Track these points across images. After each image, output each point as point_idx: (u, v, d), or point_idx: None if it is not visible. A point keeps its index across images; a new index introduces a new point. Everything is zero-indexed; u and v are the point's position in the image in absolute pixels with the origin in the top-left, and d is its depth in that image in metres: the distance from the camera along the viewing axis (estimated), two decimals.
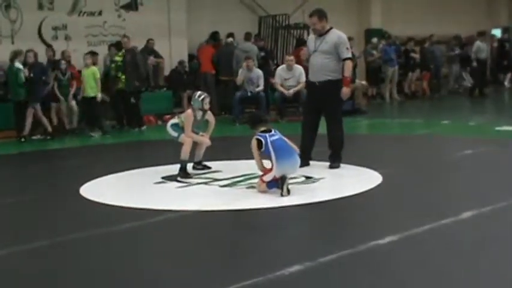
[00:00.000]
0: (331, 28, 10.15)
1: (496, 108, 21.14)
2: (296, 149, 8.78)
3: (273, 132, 8.67)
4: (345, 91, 10.03)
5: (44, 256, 6.41)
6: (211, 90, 17.91)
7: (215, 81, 19.53)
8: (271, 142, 8.50)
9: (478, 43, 23.59)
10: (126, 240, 6.90)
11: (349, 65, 10.06)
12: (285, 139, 8.69)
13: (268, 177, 8.52)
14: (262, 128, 8.72)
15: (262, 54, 19.65)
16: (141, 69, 17.27)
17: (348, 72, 10.03)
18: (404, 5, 25.91)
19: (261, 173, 8.75)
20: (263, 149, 8.51)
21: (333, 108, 10.23)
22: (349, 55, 10.11)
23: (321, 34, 10.11)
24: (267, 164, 8.69)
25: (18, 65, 15.68)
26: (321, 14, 10.11)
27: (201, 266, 5.91)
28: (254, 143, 8.60)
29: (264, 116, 9.34)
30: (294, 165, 8.62)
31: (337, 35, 10.09)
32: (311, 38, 10.41)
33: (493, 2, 29.73)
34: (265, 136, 8.56)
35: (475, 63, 23.61)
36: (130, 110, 17.06)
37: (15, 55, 15.77)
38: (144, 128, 16.94)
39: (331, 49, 10.00)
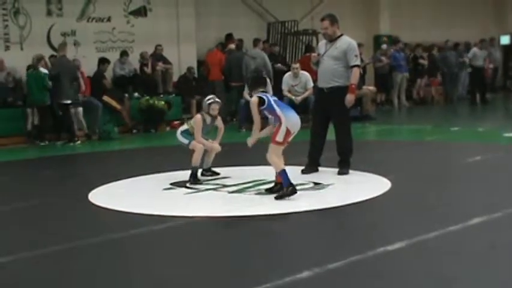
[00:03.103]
0: (342, 34, 10.16)
1: (504, 114, 21.11)
2: None
3: (271, 94, 9.03)
4: (349, 98, 10.01)
5: (52, 262, 6.42)
6: (221, 98, 17.89)
7: (225, 87, 19.48)
8: (274, 100, 8.74)
9: (474, 50, 23.64)
10: (134, 246, 6.90)
11: (356, 72, 10.06)
12: None
13: (280, 135, 8.52)
14: (262, 89, 8.95)
15: (278, 65, 19.68)
16: (78, 80, 16.75)
17: (354, 79, 10.03)
18: (412, 12, 25.91)
19: (257, 133, 8.82)
20: (264, 106, 8.63)
21: (341, 115, 10.23)
22: (358, 62, 10.10)
23: (332, 40, 10.12)
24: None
25: (43, 69, 15.81)
26: (332, 19, 10.13)
27: (210, 272, 5.90)
28: (255, 100, 8.71)
29: (264, 79, 9.55)
30: (298, 120, 8.76)
31: (347, 41, 10.10)
32: (322, 43, 10.44)
33: (501, 9, 29.71)
34: (266, 95, 8.79)
35: (469, 70, 23.73)
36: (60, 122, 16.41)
37: (38, 60, 15.92)
38: (77, 142, 16.03)
39: (341, 55, 10.01)
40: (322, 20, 10.23)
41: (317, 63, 10.34)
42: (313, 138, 10.39)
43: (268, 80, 17.43)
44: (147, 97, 18.04)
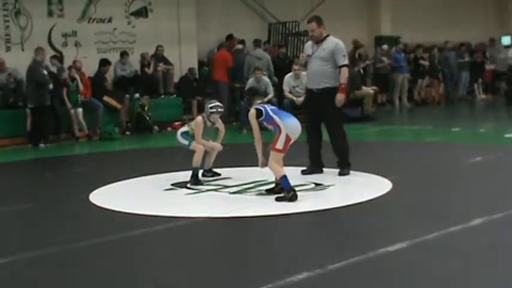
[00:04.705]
0: (328, 35, 10.19)
1: (505, 115, 21.06)
2: None
3: (269, 104, 9.04)
4: (339, 98, 10.02)
5: (53, 263, 6.42)
6: (224, 99, 17.84)
7: (229, 88, 19.34)
8: (271, 110, 8.74)
9: None
10: (135, 247, 6.90)
11: (345, 72, 10.05)
12: None
13: (280, 143, 8.52)
14: (259, 101, 9.03)
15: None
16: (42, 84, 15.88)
17: (343, 79, 10.03)
18: (414, 12, 25.89)
19: (259, 147, 8.82)
20: (263, 117, 8.67)
21: (333, 115, 10.20)
22: (346, 62, 10.10)
23: (318, 41, 10.13)
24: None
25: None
26: (319, 20, 10.18)
27: (210, 273, 5.90)
28: (253, 112, 8.76)
29: (260, 91, 9.53)
30: (298, 125, 8.73)
31: (334, 42, 10.13)
32: (308, 44, 10.43)
33: (502, 10, 29.70)
34: (264, 106, 8.83)
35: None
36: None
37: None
38: (41, 145, 15.74)
39: (328, 56, 10.02)
40: (309, 22, 10.26)
41: (305, 65, 10.36)
42: (309, 141, 10.36)
43: (269, 81, 17.49)
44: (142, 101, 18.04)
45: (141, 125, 17.92)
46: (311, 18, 10.31)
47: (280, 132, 8.53)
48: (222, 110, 10.17)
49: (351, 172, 10.15)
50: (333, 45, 10.10)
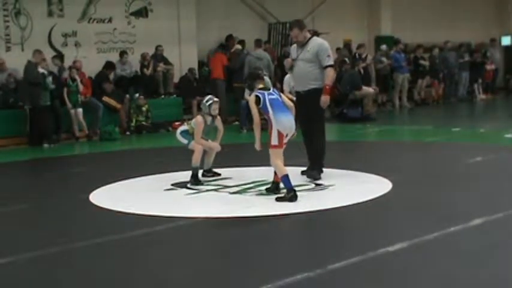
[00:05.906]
0: (311, 37, 10.13)
1: (506, 115, 21.07)
2: (292, 108, 8.99)
3: (271, 91, 8.92)
4: (324, 99, 9.90)
5: (53, 263, 6.43)
6: (221, 97, 17.81)
7: (227, 87, 19.35)
8: (269, 100, 8.71)
9: None
10: (135, 246, 6.90)
11: (330, 72, 9.98)
12: (283, 99, 8.94)
13: (274, 139, 8.54)
14: (261, 86, 8.97)
15: None
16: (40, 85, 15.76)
17: (328, 80, 9.96)
18: (414, 13, 25.90)
19: (257, 130, 8.74)
20: (261, 105, 8.68)
21: (316, 116, 10.10)
22: (330, 62, 10.02)
23: (303, 44, 10.07)
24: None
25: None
26: (300, 25, 10.09)
27: (210, 273, 5.91)
28: (253, 98, 8.78)
29: (261, 74, 9.42)
30: (291, 122, 8.73)
31: (318, 42, 10.04)
32: (293, 47, 10.38)
33: (502, 10, 29.69)
34: (264, 93, 8.78)
35: None
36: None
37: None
38: (45, 146, 15.65)
39: (313, 57, 9.94)
40: (291, 28, 10.18)
41: (291, 68, 10.31)
42: (306, 143, 10.32)
43: (269, 81, 17.44)
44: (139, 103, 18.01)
45: (141, 128, 17.90)
46: (292, 24, 10.20)
47: (271, 127, 8.56)
48: (217, 99, 10.25)
49: (351, 172, 10.16)
50: (317, 46, 10.01)
